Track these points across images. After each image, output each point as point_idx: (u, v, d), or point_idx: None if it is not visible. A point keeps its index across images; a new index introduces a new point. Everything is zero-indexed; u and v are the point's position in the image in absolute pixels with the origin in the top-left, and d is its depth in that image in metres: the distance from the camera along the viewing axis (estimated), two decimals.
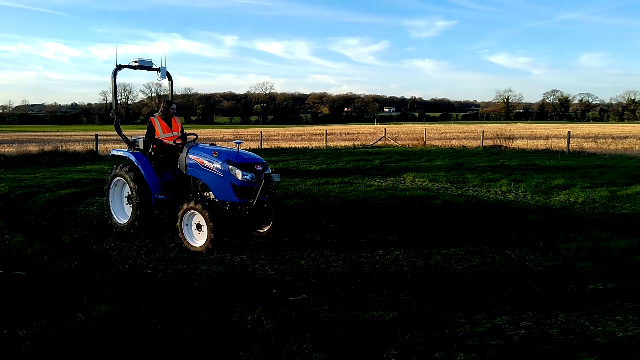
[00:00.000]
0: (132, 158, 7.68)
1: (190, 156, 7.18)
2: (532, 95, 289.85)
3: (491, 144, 27.85)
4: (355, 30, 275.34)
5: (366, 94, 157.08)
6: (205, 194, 7.24)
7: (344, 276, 5.78)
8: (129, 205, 7.94)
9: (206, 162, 6.96)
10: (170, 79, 8.62)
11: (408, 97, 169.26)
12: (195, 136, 8.13)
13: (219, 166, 6.79)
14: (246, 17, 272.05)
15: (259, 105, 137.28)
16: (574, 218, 8.59)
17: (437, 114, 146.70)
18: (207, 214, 6.53)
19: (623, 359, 3.78)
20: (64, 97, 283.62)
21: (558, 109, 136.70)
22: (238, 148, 7.01)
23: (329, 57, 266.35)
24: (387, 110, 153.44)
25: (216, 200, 6.97)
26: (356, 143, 31.78)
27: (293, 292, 5.15)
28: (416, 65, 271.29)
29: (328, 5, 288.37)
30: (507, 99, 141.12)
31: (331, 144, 31.24)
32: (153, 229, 7.87)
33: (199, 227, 6.79)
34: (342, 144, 31.90)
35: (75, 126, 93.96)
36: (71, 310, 4.50)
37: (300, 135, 45.75)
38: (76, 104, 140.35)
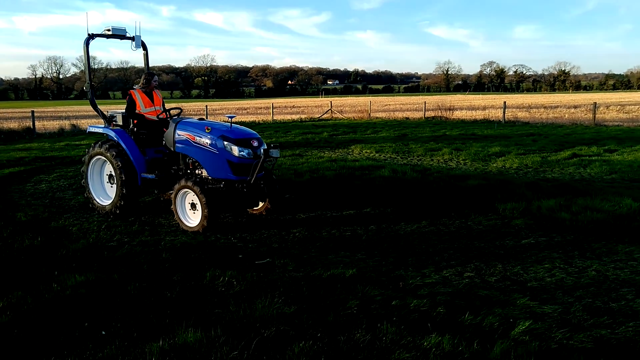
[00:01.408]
0: (113, 135, 7.28)
1: (179, 132, 6.83)
2: (470, 66, 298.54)
3: (433, 115, 28.87)
4: (296, 0, 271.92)
5: (309, 67, 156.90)
6: (197, 171, 6.99)
7: (304, 241, 6.17)
8: (111, 185, 7.58)
9: (198, 138, 6.63)
10: (145, 48, 8.19)
11: (351, 70, 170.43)
12: (179, 110, 7.60)
13: (213, 142, 6.49)
14: None
15: (200, 78, 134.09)
16: (510, 182, 9.34)
17: (380, 87, 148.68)
18: (200, 192, 6.30)
19: (550, 298, 4.40)
20: None
21: (494, 80, 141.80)
22: (231, 123, 6.79)
23: (271, 29, 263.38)
24: (331, 83, 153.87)
25: (209, 177, 6.72)
26: (303, 116, 32.02)
27: (258, 256, 5.50)
28: (358, 37, 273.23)
29: None
30: (447, 70, 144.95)
31: (278, 117, 31.37)
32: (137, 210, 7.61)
33: (193, 206, 6.58)
34: (288, 117, 32.05)
35: (4, 103, 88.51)
36: (44, 282, 4.64)
37: (245, 109, 45.41)
38: (1, 79, 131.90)
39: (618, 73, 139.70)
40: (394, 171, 10.42)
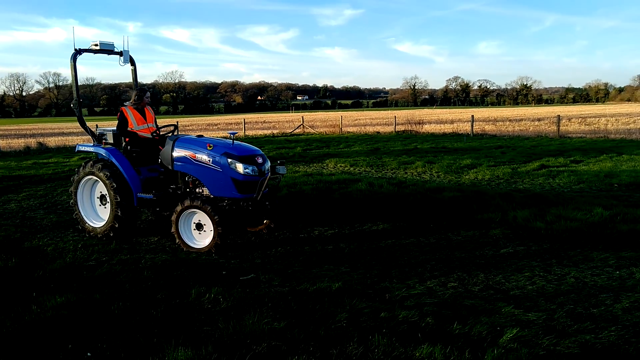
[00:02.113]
0: (106, 153, 6.98)
1: (178, 149, 6.62)
2: (436, 81, 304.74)
3: (403, 129, 29.25)
4: (264, 17, 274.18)
5: (279, 83, 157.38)
6: (197, 190, 6.76)
7: (287, 255, 6.15)
8: (103, 206, 7.22)
9: (199, 155, 6.43)
10: (133, 63, 7.96)
11: (320, 85, 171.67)
12: (173, 126, 7.40)
13: (216, 160, 6.31)
14: (150, 3, 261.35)
15: (168, 95, 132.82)
16: (484, 193, 9.52)
17: (349, 102, 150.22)
18: (211, 212, 6.07)
19: (533, 305, 4.49)
20: None
21: (460, 95, 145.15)
22: (233, 139, 6.59)
23: (239, 45, 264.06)
24: (300, 98, 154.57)
25: (211, 196, 6.49)
26: (274, 131, 32.02)
27: (242, 273, 5.45)
28: (326, 54, 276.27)
29: None
30: (414, 85, 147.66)
31: (249, 132, 31.30)
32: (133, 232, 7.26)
33: (199, 226, 6.35)
34: (260, 132, 32.00)
35: None
36: (22, 304, 4.49)
37: (216, 125, 45.14)
38: None
39: (577, 87, 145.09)
40: (371, 184, 10.50)
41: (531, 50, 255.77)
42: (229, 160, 6.26)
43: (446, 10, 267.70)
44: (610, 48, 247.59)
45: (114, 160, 6.90)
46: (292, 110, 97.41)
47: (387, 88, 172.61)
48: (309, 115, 54.86)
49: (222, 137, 7.04)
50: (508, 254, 6.06)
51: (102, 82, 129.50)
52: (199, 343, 3.68)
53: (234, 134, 6.68)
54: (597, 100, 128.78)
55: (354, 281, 5.15)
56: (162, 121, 8.35)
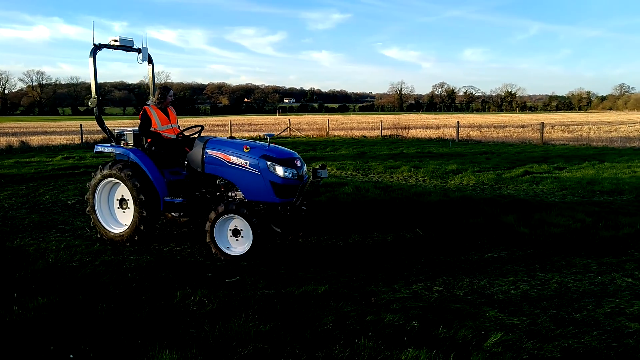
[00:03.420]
0: (128, 154, 6.65)
1: (210, 152, 6.34)
2: (422, 87, 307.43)
3: (389, 133, 29.38)
4: (252, 20, 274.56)
5: (266, 85, 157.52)
6: (230, 193, 6.49)
7: (272, 258, 6.13)
8: (122, 210, 6.90)
9: (234, 158, 6.17)
10: (151, 61, 7.65)
11: (307, 89, 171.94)
12: (200, 128, 7.12)
13: (254, 162, 6.04)
14: (136, 2, 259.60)
15: None
16: (469, 198, 9.61)
17: (336, 105, 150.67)
18: (250, 218, 5.82)
19: (517, 310, 4.54)
20: None
21: (446, 101, 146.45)
22: (269, 142, 6.38)
23: (226, 47, 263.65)
24: (287, 101, 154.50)
25: (246, 200, 6.21)
26: (261, 134, 31.92)
27: (227, 275, 5.42)
28: (314, 57, 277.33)
29: None
30: (400, 90, 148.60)
31: (235, 134, 31.16)
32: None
33: (235, 232, 6.07)
34: (247, 134, 31.87)
35: None
36: (3, 304, 4.42)
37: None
38: None
39: (561, 95, 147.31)
40: (357, 188, 10.53)
41: (516, 57, 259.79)
42: (268, 163, 6.03)
43: (433, 16, 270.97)
44: (593, 57, 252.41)
45: (138, 161, 6.57)
46: (278, 112, 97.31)
47: (374, 92, 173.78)
48: (295, 118, 54.86)
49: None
50: (492, 258, 6.11)
51: (87, 81, 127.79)
52: (184, 345, 3.66)
53: (270, 136, 6.43)
54: (580, 109, 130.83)
55: (340, 284, 5.16)
56: None
